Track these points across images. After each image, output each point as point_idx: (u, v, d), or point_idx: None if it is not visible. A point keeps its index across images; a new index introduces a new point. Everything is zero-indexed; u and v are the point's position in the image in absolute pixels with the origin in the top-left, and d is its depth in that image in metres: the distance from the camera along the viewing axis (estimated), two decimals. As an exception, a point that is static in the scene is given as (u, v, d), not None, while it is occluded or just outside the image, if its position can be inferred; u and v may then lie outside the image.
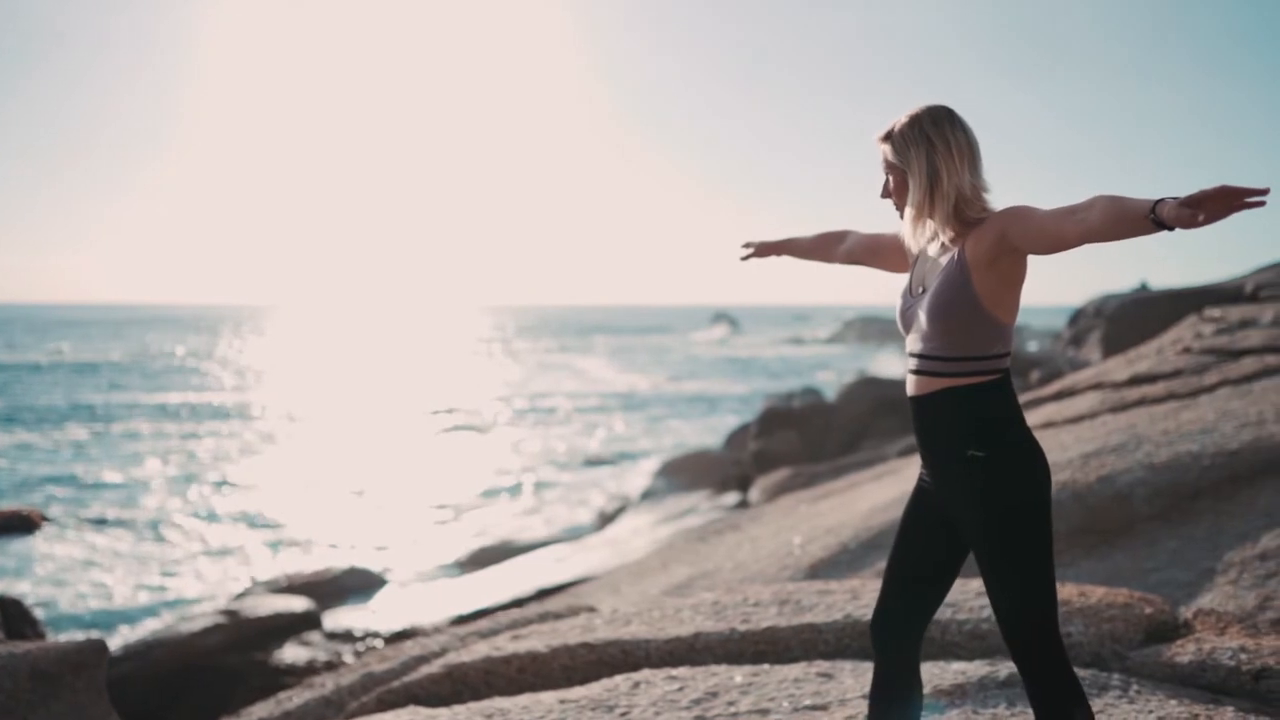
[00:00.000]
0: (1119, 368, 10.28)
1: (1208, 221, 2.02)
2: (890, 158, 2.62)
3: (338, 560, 18.20)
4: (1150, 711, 3.58)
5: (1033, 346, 49.78)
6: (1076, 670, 2.99)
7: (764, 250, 3.25)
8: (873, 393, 25.74)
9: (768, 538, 9.34)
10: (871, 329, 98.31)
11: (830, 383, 41.03)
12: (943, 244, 2.56)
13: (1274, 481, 6.47)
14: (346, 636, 13.10)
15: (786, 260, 3.30)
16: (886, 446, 19.80)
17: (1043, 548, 2.51)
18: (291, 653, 12.61)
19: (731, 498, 19.72)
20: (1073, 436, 7.95)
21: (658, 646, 4.38)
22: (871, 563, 7.12)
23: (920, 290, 2.60)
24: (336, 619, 13.83)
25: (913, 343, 2.61)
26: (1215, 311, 11.25)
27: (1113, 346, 14.37)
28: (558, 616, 5.28)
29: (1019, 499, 2.48)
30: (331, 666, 12.15)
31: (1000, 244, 2.44)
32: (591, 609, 5.63)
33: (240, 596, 15.48)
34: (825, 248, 3.12)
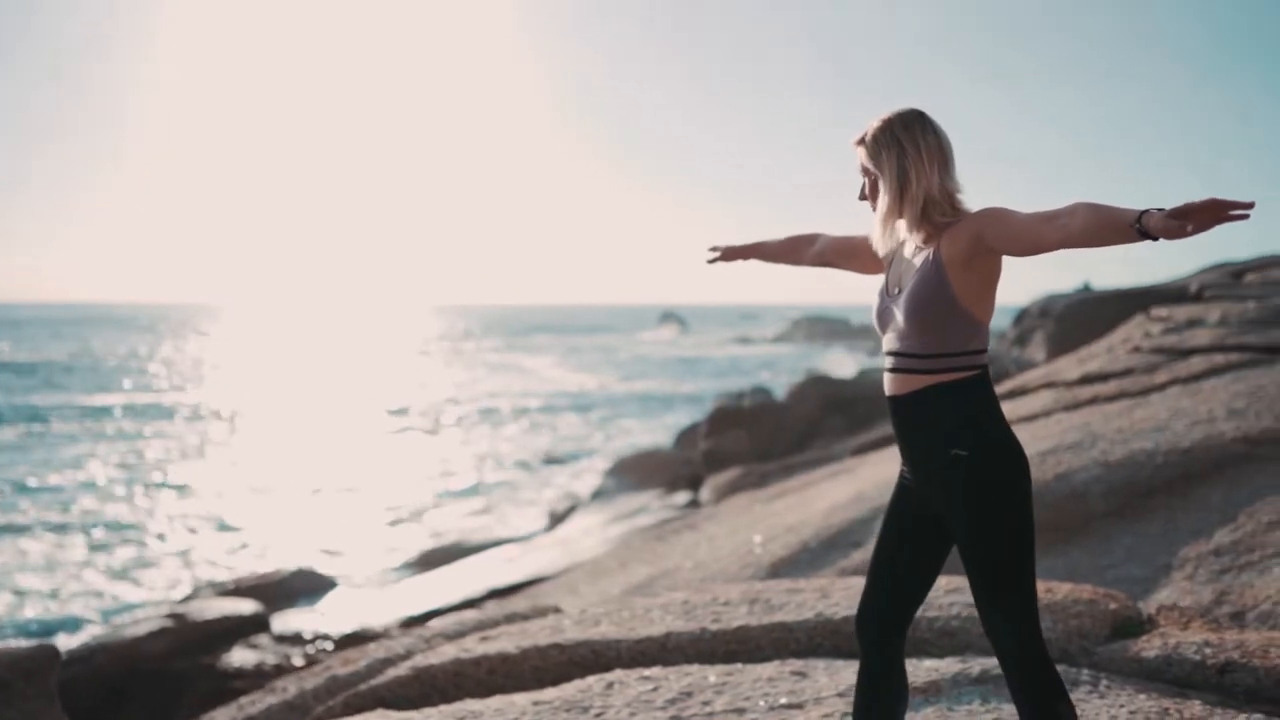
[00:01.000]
0: (1070, 367, 10.43)
1: (1195, 232, 2.05)
2: (864, 161, 2.65)
3: (286, 562, 17.96)
4: (1121, 706, 3.61)
5: (978, 346, 50.46)
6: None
7: (731, 254, 3.25)
8: (822, 392, 25.92)
9: (725, 537, 9.35)
10: (818, 328, 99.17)
11: (779, 382, 41.29)
12: (916, 245, 2.59)
13: (1226, 478, 6.59)
14: (296, 639, 12.91)
15: (750, 262, 3.30)
16: (836, 445, 19.95)
17: (1026, 544, 2.53)
18: (240, 656, 12.41)
19: (682, 497, 19.75)
20: (1028, 434, 8.04)
21: (629, 646, 4.35)
22: (833, 561, 7.15)
23: (896, 290, 2.62)
24: (285, 621, 13.64)
25: (890, 342, 2.63)
26: (1162, 311, 11.46)
27: (1061, 346, 14.58)
28: (524, 618, 5.23)
29: (1003, 497, 2.50)
30: (281, 669, 11.98)
31: (976, 244, 2.47)
32: (557, 610, 5.58)
33: (186, 599, 15.21)
34: (795, 251, 3.14)
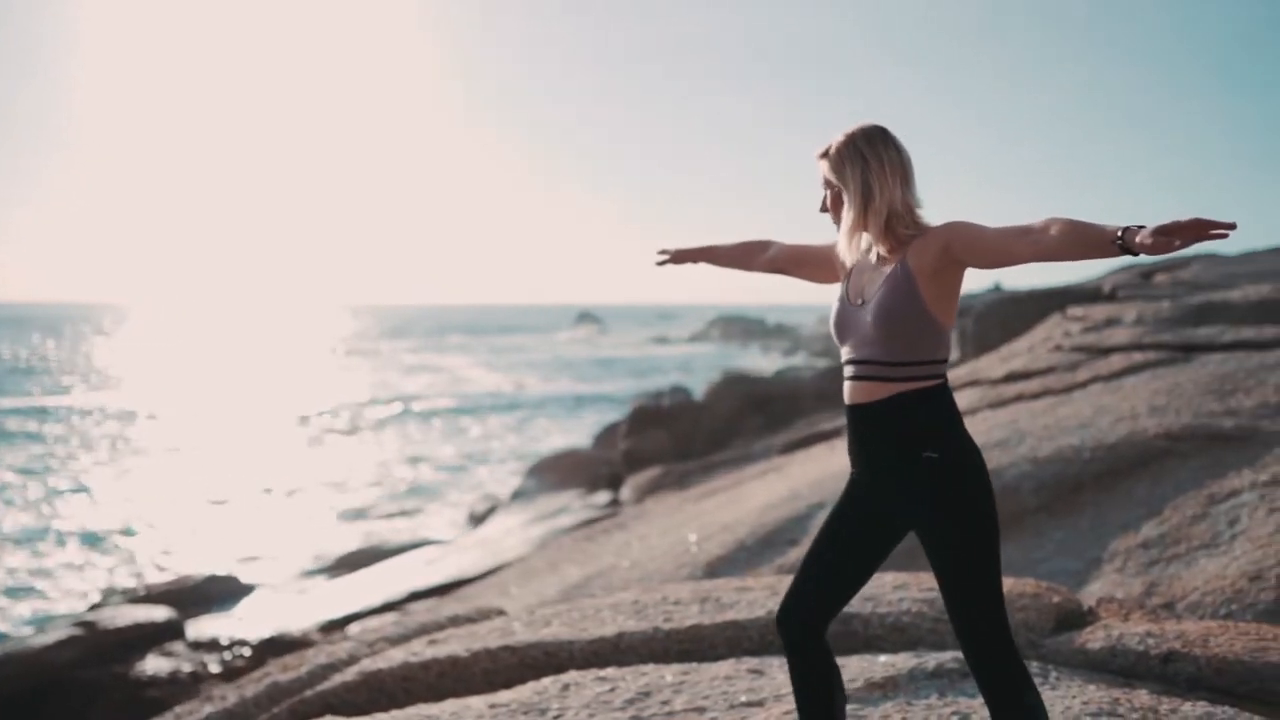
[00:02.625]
0: (993, 365, 10.64)
1: (1179, 249, 2.12)
2: (827, 174, 2.69)
3: (199, 567, 17.48)
4: (1074, 697, 3.67)
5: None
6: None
7: (681, 257, 3.27)
8: (740, 391, 26.12)
9: (657, 536, 9.35)
10: (735, 328, 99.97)
11: (697, 381, 41.50)
12: (879, 256, 2.65)
13: (1150, 474, 6.78)
14: (212, 645, 12.58)
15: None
16: (756, 444, 20.12)
17: (995, 542, 2.59)
18: (154, 664, 12.05)
19: (602, 497, 19.75)
20: (957, 432, 8.17)
21: (581, 647, 4.30)
22: (770, 559, 7.18)
23: (860, 301, 2.67)
24: (200, 628, 13.31)
25: (854, 350, 2.66)
26: (1078, 311, 11.76)
27: (980, 345, 14.90)
28: (470, 620, 5.14)
29: (973, 496, 2.55)
30: (197, 677, 11.68)
31: (944, 256, 2.54)
32: (501, 612, 5.50)
33: (95, 607, 14.70)
34: (747, 256, 3.17)
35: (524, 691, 3.89)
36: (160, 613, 13.05)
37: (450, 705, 3.82)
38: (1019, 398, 8.82)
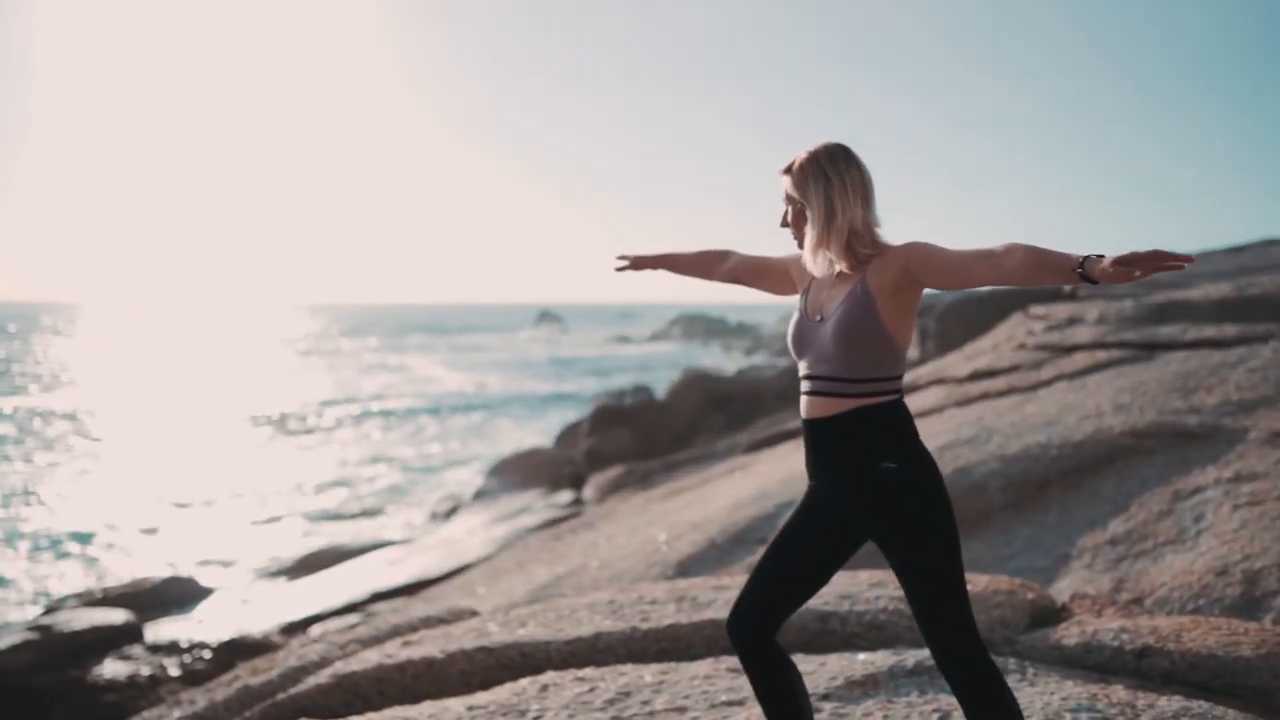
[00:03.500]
0: (958, 363, 10.71)
1: (1140, 278, 2.20)
2: (790, 190, 2.73)
3: (156, 569, 17.20)
4: (1052, 693, 3.69)
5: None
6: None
7: (640, 263, 3.31)
8: (702, 389, 26.15)
9: (625, 535, 9.31)
10: (696, 327, 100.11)
11: (658, 380, 41.47)
12: (838, 274, 2.69)
13: (1116, 470, 6.85)
14: (171, 649, 12.38)
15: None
16: (718, 443, 20.14)
17: (956, 547, 2.64)
18: (111, 668, 11.84)
19: (565, 496, 19.69)
20: (925, 430, 8.19)
21: (558, 648, 4.26)
22: (740, 557, 7.17)
23: (819, 317, 2.70)
24: (158, 631, 13.10)
25: (812, 366, 2.69)
26: (1040, 309, 11.86)
27: (943, 344, 15.00)
28: (442, 621, 5.08)
29: (931, 504, 2.60)
30: (156, 680, 11.51)
31: (904, 277, 2.59)
32: (474, 613, 5.44)
33: (50, 611, 14.42)
34: (706, 265, 3.22)
35: (502, 693, 3.85)
36: (118, 616, 12.82)
37: (427, 707, 3.77)
38: (984, 396, 8.88)
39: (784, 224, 2.79)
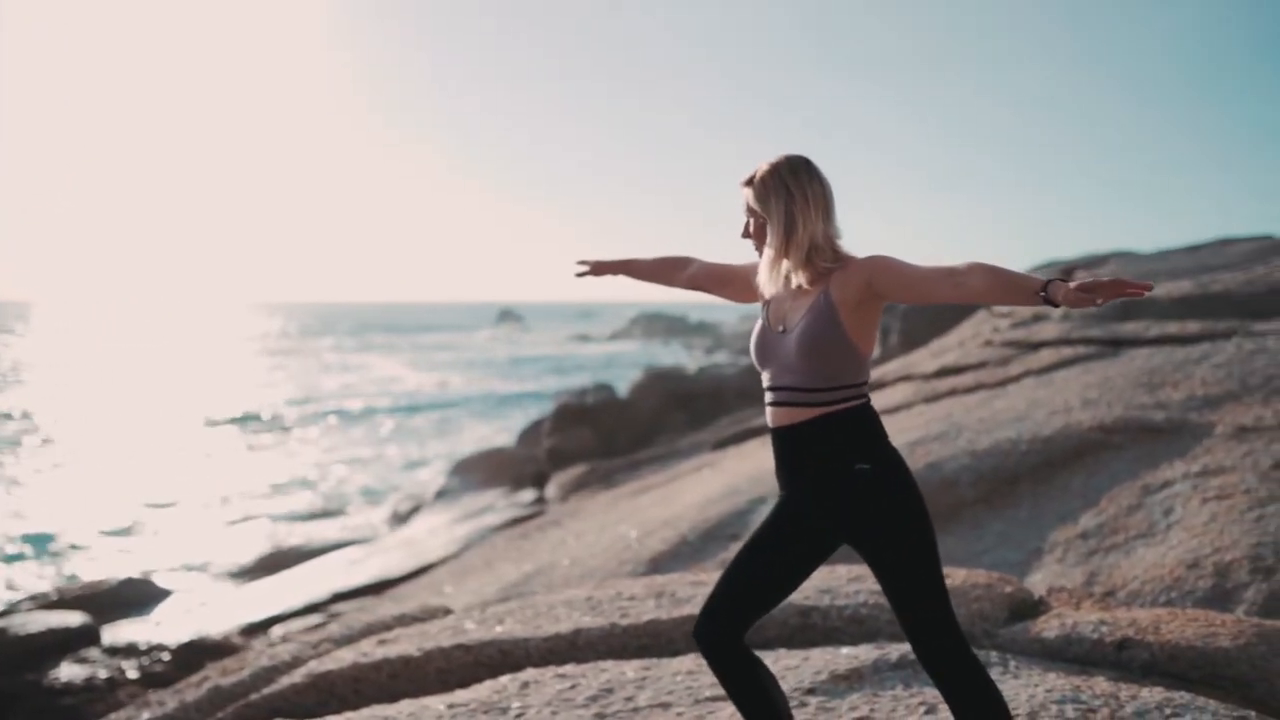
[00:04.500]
0: (925, 360, 10.76)
1: (1101, 305, 2.30)
2: (751, 203, 2.74)
3: (113, 571, 16.90)
4: (1036, 685, 3.69)
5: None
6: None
7: (600, 269, 3.30)
8: (664, 388, 26.15)
9: (595, 533, 9.27)
10: (657, 325, 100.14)
11: (620, 378, 41.42)
12: (799, 285, 2.69)
13: (1085, 465, 6.90)
14: (129, 651, 12.16)
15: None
16: (681, 441, 20.14)
17: (932, 543, 2.65)
18: (68, 671, 11.62)
19: (528, 495, 19.59)
20: (894, 426, 8.24)
21: (537, 645, 4.21)
22: (713, 553, 7.15)
23: (781, 328, 2.72)
24: (116, 633, 12.88)
25: (776, 376, 2.71)
26: (1003, 308, 11.94)
27: (908, 342, 15.10)
28: (416, 619, 5.01)
29: (907, 502, 2.62)
30: (115, 684, 11.30)
31: (867, 290, 2.61)
32: (448, 611, 5.37)
33: (5, 613, 14.12)
34: (666, 272, 3.23)
35: (482, 690, 3.79)
36: (74, 618, 12.59)
37: (406, 706, 3.70)
38: (952, 392, 8.93)
39: (745, 235, 2.80)
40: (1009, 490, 6.90)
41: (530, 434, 25.88)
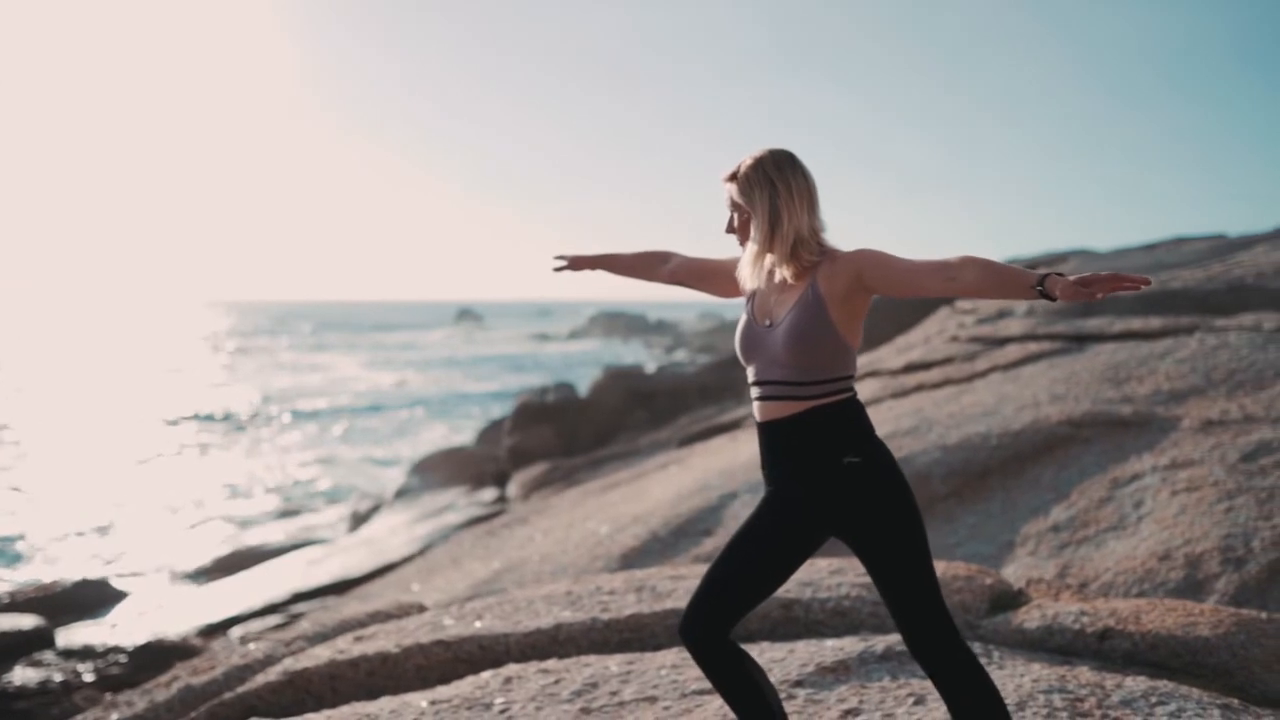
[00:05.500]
0: (891, 356, 10.80)
1: (1099, 299, 2.31)
2: (735, 197, 2.72)
3: (68, 572, 16.59)
4: (1022, 675, 3.69)
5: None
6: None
7: (579, 264, 3.26)
8: (625, 386, 26.12)
9: (562, 530, 9.21)
10: (616, 324, 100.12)
11: (579, 377, 41.30)
12: (784, 279, 2.68)
13: (1055, 459, 6.94)
14: (85, 654, 11.95)
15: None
16: (642, 439, 20.11)
17: (922, 535, 2.64)
18: (22, 674, 11.41)
19: (489, 494, 19.48)
20: (864, 421, 8.24)
21: (518, 640, 4.15)
22: (685, 549, 7.12)
23: (767, 322, 2.70)
24: (71, 635, 12.68)
25: (763, 371, 2.69)
26: (965, 304, 12.02)
27: (870, 338, 15.18)
28: (390, 616, 4.92)
29: (896, 494, 2.60)
30: (70, 687, 11.09)
31: (855, 283, 2.60)
32: (423, 608, 5.29)
33: (-45, 617, 13.79)
34: (647, 267, 3.20)
35: (464, 686, 3.73)
36: (27, 621, 12.38)
37: (387, 703, 3.63)
38: (920, 388, 8.97)
39: (729, 230, 2.78)
40: (980, 484, 6.93)
41: (490, 433, 25.74)
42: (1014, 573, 5.94)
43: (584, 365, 59.53)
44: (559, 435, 23.16)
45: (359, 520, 20.35)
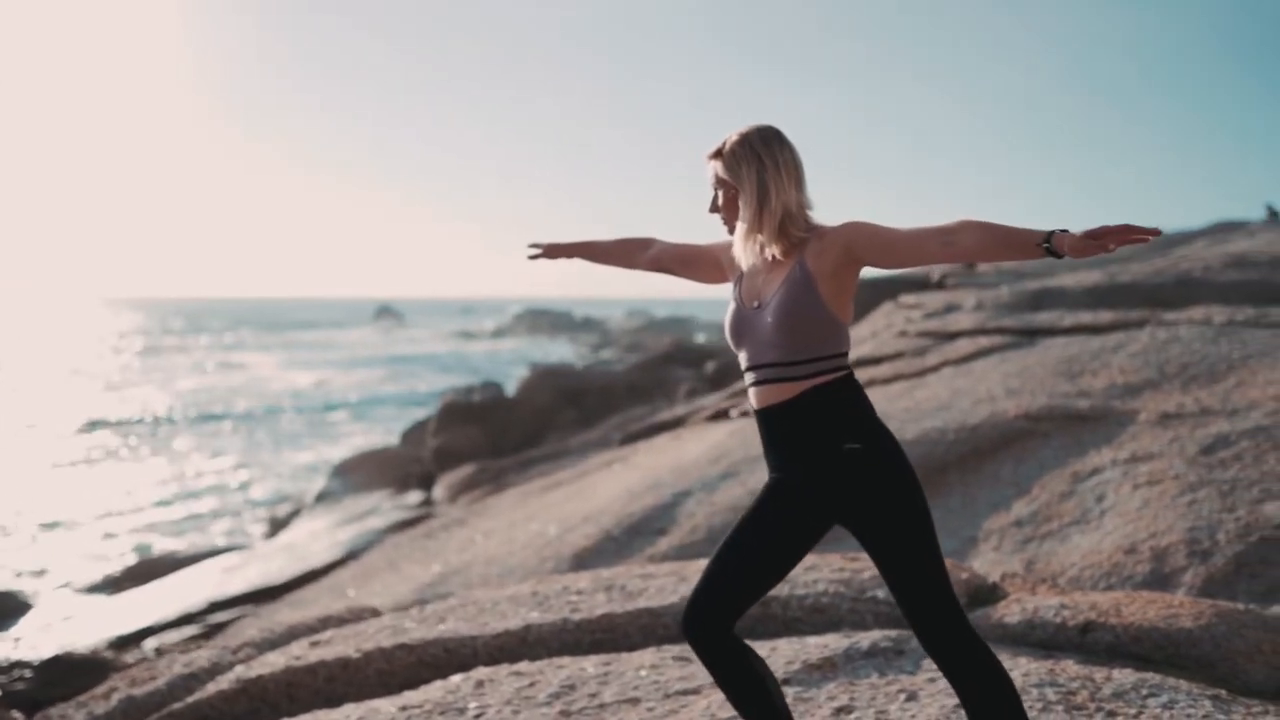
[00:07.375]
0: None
1: (1111, 251, 2.22)
2: (721, 174, 2.67)
3: (-34, 585, 15.82)
4: (1011, 669, 3.60)
5: (701, 338, 52.11)
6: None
7: (555, 252, 3.18)
8: (553, 385, 25.84)
9: (505, 530, 8.98)
10: (541, 322, 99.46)
11: (504, 374, 40.90)
12: (772, 258, 2.62)
13: (1013, 454, 6.92)
14: (-13, 667, 11.33)
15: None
16: (572, 438, 19.89)
17: (929, 521, 2.56)
18: (-81, 691, 10.75)
19: (414, 496, 19.08)
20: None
21: (485, 642, 3.94)
22: (639, 548, 6.96)
23: (756, 304, 2.64)
24: (-29, 650, 12.01)
25: (756, 354, 2.62)
26: (910, 299, 12.03)
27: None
28: (343, 621, 4.67)
29: (901, 479, 2.53)
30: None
31: (845, 256, 2.54)
32: (375, 612, 5.03)
33: None
34: (627, 254, 3.13)
35: (434, 691, 3.51)
36: (-73, 635, 11.71)
37: (352, 710, 3.40)
38: (870, 383, 8.91)
39: (713, 209, 2.71)
40: (939, 479, 6.88)
41: (414, 434, 25.17)
42: (980, 568, 5.87)
43: (510, 364, 59.02)
44: (486, 435, 22.77)
45: (278, 526, 19.75)
